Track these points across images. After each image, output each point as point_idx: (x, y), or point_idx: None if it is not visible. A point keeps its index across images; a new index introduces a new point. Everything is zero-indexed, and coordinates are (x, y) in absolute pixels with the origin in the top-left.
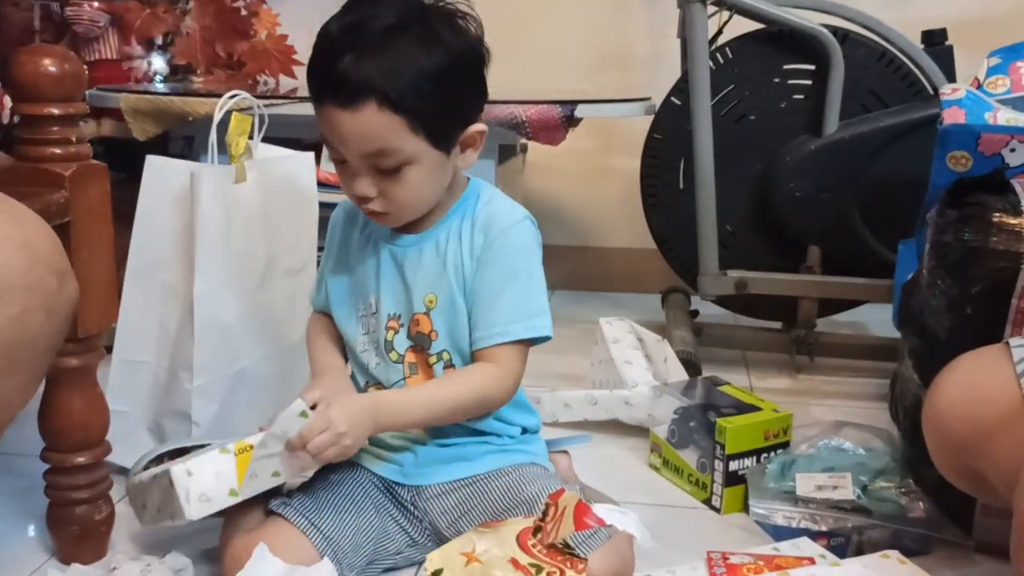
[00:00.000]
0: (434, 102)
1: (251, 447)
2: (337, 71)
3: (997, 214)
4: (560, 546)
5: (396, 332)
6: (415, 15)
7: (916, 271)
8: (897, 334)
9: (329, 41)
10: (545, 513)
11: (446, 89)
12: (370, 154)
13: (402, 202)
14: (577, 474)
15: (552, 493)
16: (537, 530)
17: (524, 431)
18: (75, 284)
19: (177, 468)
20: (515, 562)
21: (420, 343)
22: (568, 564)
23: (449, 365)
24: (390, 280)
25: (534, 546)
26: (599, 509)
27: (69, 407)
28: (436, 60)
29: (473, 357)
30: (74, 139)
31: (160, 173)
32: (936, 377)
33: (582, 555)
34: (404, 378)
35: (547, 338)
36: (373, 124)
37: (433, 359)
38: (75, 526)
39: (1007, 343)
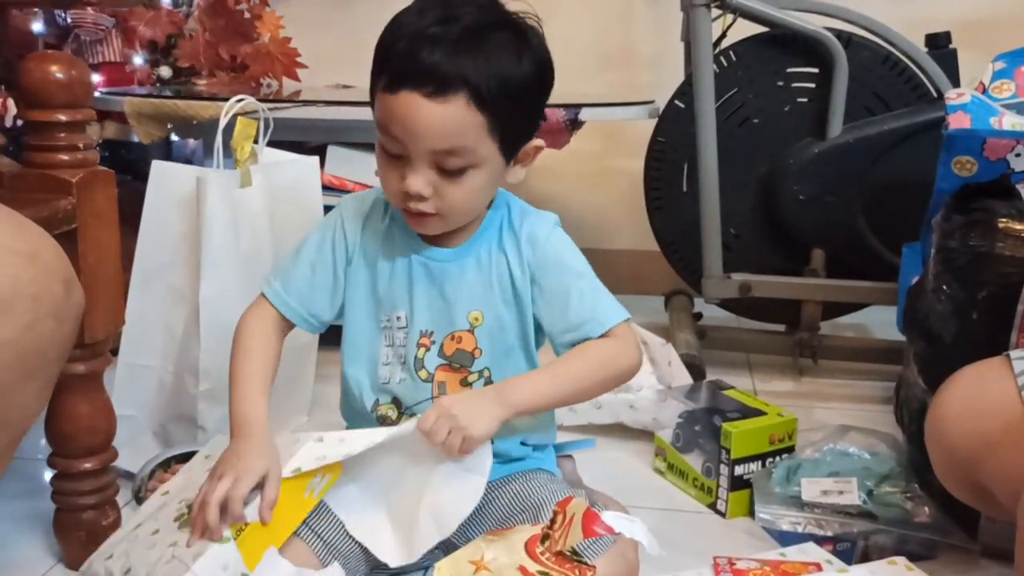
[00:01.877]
0: (517, 108)
1: (244, 526)
2: (430, 60)
3: (1003, 220)
4: (568, 553)
5: (427, 350)
6: (505, 18)
7: (921, 276)
8: (901, 337)
9: (416, 28)
10: (553, 520)
11: (528, 97)
12: (442, 151)
13: (456, 205)
14: (582, 478)
15: (560, 500)
16: (545, 537)
17: (535, 447)
18: (81, 290)
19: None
20: (523, 570)
21: (460, 361)
22: (576, 571)
23: (489, 382)
24: (425, 295)
25: (542, 553)
26: (607, 516)
27: (76, 413)
28: (526, 67)
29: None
30: (81, 145)
31: (166, 178)
32: (938, 391)
33: (590, 562)
34: (431, 398)
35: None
36: (458, 119)
37: (474, 376)
38: (82, 531)
39: (1007, 355)
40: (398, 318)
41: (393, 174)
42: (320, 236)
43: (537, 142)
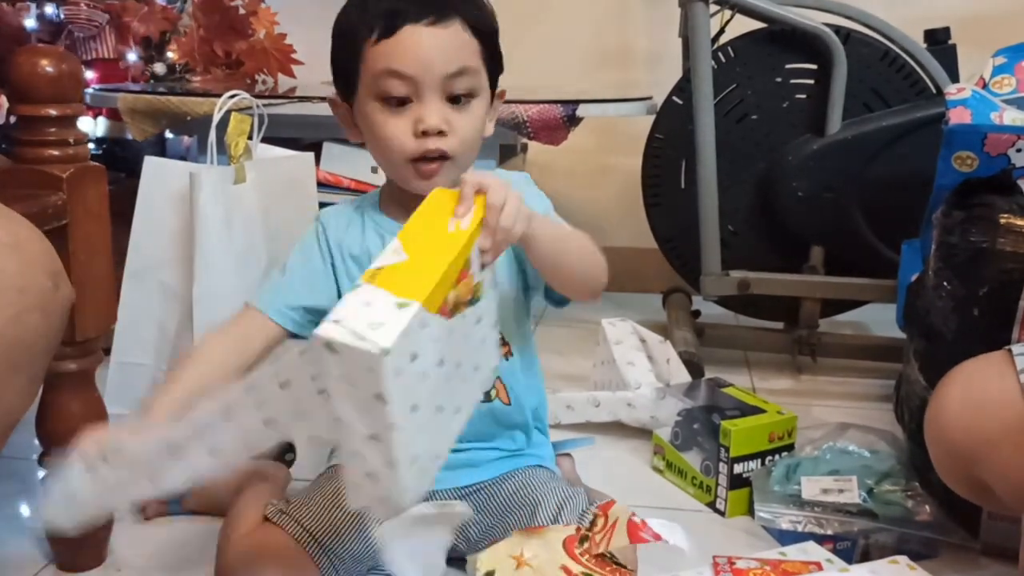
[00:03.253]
0: (494, 45)
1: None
2: None
3: (1004, 215)
4: (608, 557)
5: None
6: None
7: (921, 272)
8: (900, 334)
9: None
10: (593, 523)
11: (496, 40)
12: (452, 74)
13: (466, 137)
14: (580, 476)
15: (601, 504)
16: (584, 539)
17: (535, 431)
18: (69, 284)
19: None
20: (567, 570)
21: None
22: (617, 575)
23: None
24: None
25: (582, 555)
26: (654, 523)
27: (67, 411)
28: (489, 11)
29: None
30: (72, 140)
31: (159, 174)
32: (938, 386)
33: (630, 567)
34: None
35: None
36: (460, 40)
37: None
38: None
39: (1009, 350)
40: None
41: (401, 123)
42: (302, 242)
43: (501, 88)
